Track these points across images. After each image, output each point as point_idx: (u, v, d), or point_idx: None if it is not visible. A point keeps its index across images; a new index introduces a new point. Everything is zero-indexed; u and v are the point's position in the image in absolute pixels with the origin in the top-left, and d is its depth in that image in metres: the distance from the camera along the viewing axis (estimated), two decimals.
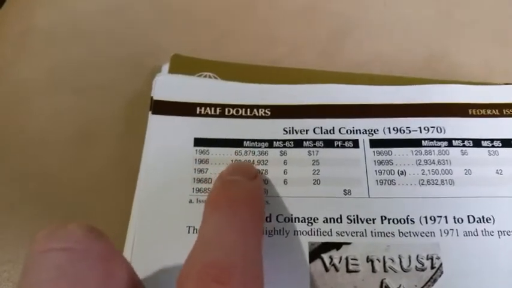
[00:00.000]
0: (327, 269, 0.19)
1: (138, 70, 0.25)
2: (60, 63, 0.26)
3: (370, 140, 0.22)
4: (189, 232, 0.19)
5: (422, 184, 0.21)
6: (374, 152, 0.21)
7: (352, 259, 0.19)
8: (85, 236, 0.14)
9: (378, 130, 0.22)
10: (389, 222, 0.20)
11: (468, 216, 0.20)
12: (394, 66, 0.26)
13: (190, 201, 0.20)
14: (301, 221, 0.20)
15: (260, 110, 0.22)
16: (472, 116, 0.22)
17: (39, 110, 0.25)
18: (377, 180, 0.21)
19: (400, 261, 0.19)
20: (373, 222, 0.20)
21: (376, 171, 0.21)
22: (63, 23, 0.28)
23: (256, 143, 0.21)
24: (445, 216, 0.20)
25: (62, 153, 0.23)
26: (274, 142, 0.22)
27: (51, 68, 0.26)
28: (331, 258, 0.19)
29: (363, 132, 0.22)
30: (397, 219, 0.20)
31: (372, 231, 0.20)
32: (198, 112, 0.22)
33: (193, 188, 0.20)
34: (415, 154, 0.21)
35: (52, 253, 0.13)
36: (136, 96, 0.25)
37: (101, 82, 0.25)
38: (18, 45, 0.27)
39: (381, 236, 0.19)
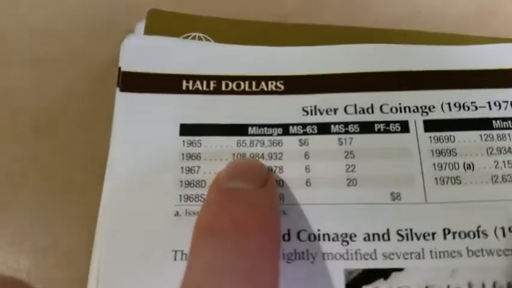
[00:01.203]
0: None
1: (107, 34, 0.23)
2: (10, 29, 0.24)
3: (425, 121, 0.19)
4: (175, 259, 0.16)
5: (495, 181, 0.18)
6: (430, 137, 0.18)
7: None
8: None
9: (433, 107, 0.19)
10: (454, 237, 0.17)
11: None
12: (436, 25, 0.23)
13: (177, 214, 0.17)
14: (333, 239, 0.17)
15: (270, 82, 0.19)
16: None
17: None
18: (436, 179, 0.18)
19: None
20: (433, 238, 0.17)
21: (434, 165, 0.18)
22: None
23: (265, 129, 0.19)
24: None
25: (15, 146, 0.21)
26: (291, 127, 0.19)
27: (2, 34, 0.24)
28: None
29: (413, 111, 0.19)
30: (464, 233, 0.17)
31: (431, 251, 0.17)
32: (184, 88, 0.19)
33: (180, 195, 0.17)
34: (485, 140, 0.18)
35: None
36: (105, 69, 0.22)
37: (63, 52, 0.23)
38: None
39: (444, 257, 0.17)
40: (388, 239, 0.17)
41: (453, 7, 0.24)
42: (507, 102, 0.19)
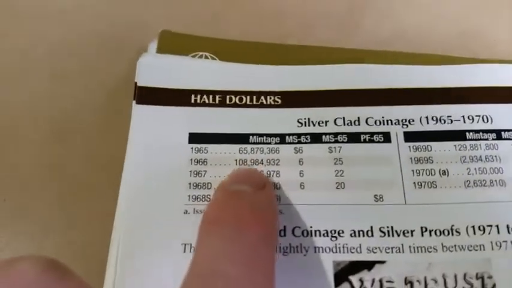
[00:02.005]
0: None
1: (122, 51, 0.23)
2: (32, 44, 0.24)
3: (405, 133, 0.19)
4: (184, 251, 0.17)
5: (468, 186, 0.18)
6: (410, 147, 0.19)
7: (387, 281, 0.17)
8: (40, 277, 0.11)
9: (413, 120, 0.20)
10: (430, 235, 0.18)
11: None
12: (421, 44, 0.24)
13: (186, 212, 0.18)
14: (323, 235, 0.18)
15: (269, 97, 0.20)
16: None
17: (11, 99, 0.23)
18: (414, 183, 0.18)
19: (445, 282, 0.17)
20: (412, 235, 0.18)
21: (413, 171, 0.19)
22: None
23: (264, 138, 0.19)
24: (497, 226, 0.18)
25: (36, 150, 0.21)
26: (287, 137, 0.19)
27: (22, 50, 0.24)
28: (361, 281, 0.17)
29: (395, 123, 0.20)
30: (439, 231, 0.18)
31: (410, 246, 0.17)
32: (192, 101, 0.20)
33: (188, 196, 0.18)
34: (459, 149, 0.19)
35: None
36: (120, 83, 0.23)
37: (80, 66, 0.23)
38: None
39: (421, 251, 0.17)
40: (372, 235, 0.17)
41: (437, 29, 0.24)
42: (479, 116, 0.20)
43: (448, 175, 0.18)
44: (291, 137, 0.19)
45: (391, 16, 0.25)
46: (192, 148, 0.19)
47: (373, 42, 0.24)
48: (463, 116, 0.20)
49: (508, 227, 0.18)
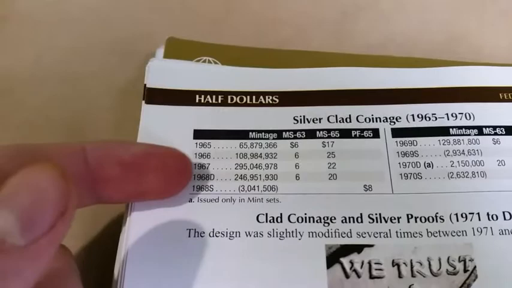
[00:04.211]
0: (347, 275, 0.17)
1: (130, 56, 0.24)
2: (45, 50, 0.25)
3: (392, 129, 0.20)
4: (189, 236, 0.18)
5: (451, 177, 0.19)
6: (397, 142, 0.20)
7: (375, 263, 0.18)
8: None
9: (400, 118, 0.21)
10: (416, 221, 0.18)
11: (504, 212, 0.19)
12: (410, 49, 0.25)
13: (191, 201, 0.19)
14: (317, 221, 0.18)
15: (267, 97, 0.21)
16: (504, 100, 0.21)
17: (27, 102, 0.24)
18: (401, 174, 0.19)
19: (430, 265, 0.18)
20: (398, 222, 0.18)
21: (399, 163, 0.19)
22: (48, 7, 0.26)
23: (263, 134, 0.20)
24: (478, 213, 0.18)
25: None
26: (284, 133, 0.20)
27: (36, 56, 0.25)
28: (351, 262, 0.18)
29: (383, 120, 0.20)
30: (424, 218, 0.18)
31: (397, 232, 0.18)
32: (197, 101, 0.21)
33: (193, 186, 0.19)
34: (443, 144, 0.20)
35: None
36: (129, 85, 0.24)
37: (91, 70, 0.24)
38: None
39: (407, 236, 0.18)
40: (361, 222, 0.18)
41: (424, 35, 0.25)
42: (462, 113, 0.21)
43: (432, 167, 0.19)
44: (287, 132, 0.20)
45: (382, 22, 0.26)
46: (196, 143, 0.20)
47: (365, 47, 0.25)
48: (447, 114, 0.21)
49: (488, 214, 0.18)
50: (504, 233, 0.18)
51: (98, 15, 0.26)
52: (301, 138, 0.20)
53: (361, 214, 0.18)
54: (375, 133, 0.20)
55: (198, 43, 0.23)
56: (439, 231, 0.18)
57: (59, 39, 0.25)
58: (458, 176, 0.19)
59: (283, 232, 0.18)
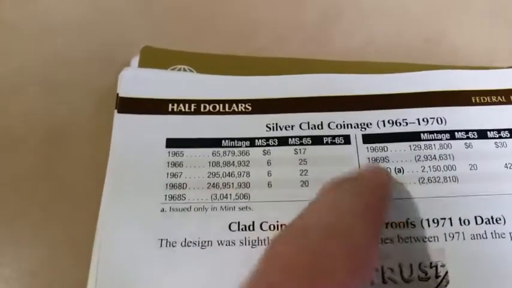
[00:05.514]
0: None
1: (111, 64, 0.24)
2: (28, 59, 0.25)
3: (363, 135, 0.20)
4: (161, 246, 0.18)
5: (422, 182, 0.19)
6: (368, 148, 0.20)
7: None
8: None
9: (371, 124, 0.21)
10: (386, 227, 0.18)
11: (475, 217, 0.19)
12: (389, 53, 0.25)
13: (163, 210, 0.19)
14: None
15: (240, 104, 0.21)
16: (476, 104, 0.21)
17: (9, 108, 0.24)
18: None
19: (401, 271, 0.18)
20: None
21: None
22: (31, 16, 0.27)
23: (236, 141, 0.20)
24: (450, 218, 0.19)
25: (31, 156, 0.22)
26: (256, 140, 0.20)
27: (19, 65, 0.25)
28: None
29: (354, 127, 0.21)
30: (395, 224, 0.18)
31: None
32: (170, 109, 0.21)
33: (165, 195, 0.19)
34: (414, 149, 0.20)
35: None
36: (109, 93, 0.23)
37: (73, 78, 0.24)
38: None
39: (379, 242, 0.18)
40: None
41: (403, 37, 0.25)
42: (433, 118, 0.21)
43: (403, 173, 0.19)
44: (260, 140, 0.20)
45: (361, 26, 0.26)
46: (169, 152, 0.20)
47: (343, 51, 0.25)
48: (418, 119, 0.21)
49: (460, 219, 0.18)
50: (476, 237, 0.18)
51: (80, 25, 0.26)
52: (273, 145, 0.20)
53: None
54: (346, 139, 0.20)
55: (173, 51, 0.23)
56: (410, 237, 0.18)
57: (41, 49, 0.26)
58: (430, 181, 0.19)
59: (255, 240, 0.18)
